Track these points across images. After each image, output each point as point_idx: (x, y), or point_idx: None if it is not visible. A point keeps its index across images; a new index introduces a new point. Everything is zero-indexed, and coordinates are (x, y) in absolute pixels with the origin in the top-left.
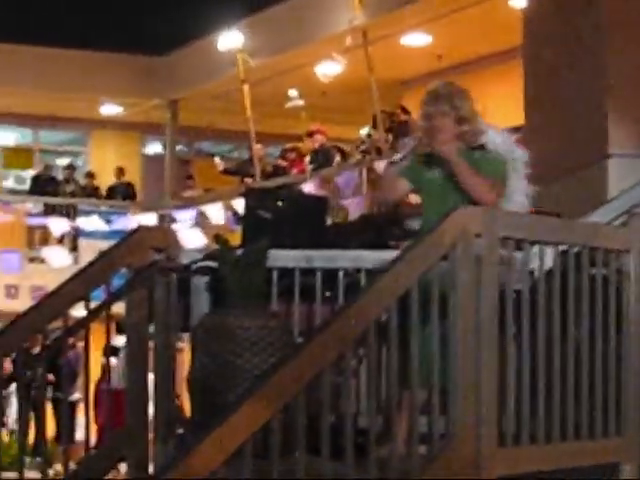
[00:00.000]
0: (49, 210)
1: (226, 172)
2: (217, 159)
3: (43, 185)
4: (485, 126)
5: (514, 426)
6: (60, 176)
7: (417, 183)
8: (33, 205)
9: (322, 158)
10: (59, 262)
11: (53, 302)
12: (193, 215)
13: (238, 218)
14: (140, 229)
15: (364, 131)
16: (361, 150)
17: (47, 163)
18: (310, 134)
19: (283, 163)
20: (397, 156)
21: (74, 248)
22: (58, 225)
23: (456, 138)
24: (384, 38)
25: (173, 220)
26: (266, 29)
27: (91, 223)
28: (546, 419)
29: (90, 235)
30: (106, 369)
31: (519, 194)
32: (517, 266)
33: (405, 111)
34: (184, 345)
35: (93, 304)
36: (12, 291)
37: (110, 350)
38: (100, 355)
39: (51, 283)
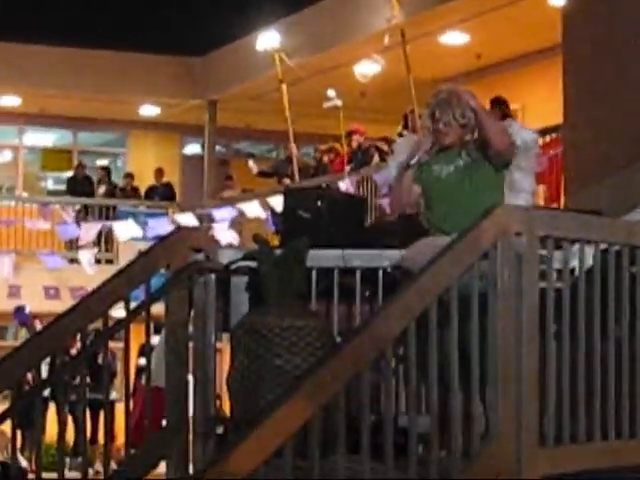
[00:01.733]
0: (85, 211)
1: (261, 174)
2: (251, 162)
3: (79, 185)
4: (507, 120)
5: (555, 426)
6: (95, 177)
7: (424, 182)
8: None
9: (361, 158)
10: (92, 265)
11: (92, 303)
12: (232, 214)
13: (276, 218)
14: (178, 230)
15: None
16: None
17: (80, 162)
18: (349, 134)
19: (324, 160)
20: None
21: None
22: (90, 231)
23: (460, 143)
24: (422, 37)
25: (212, 220)
26: (304, 29)
27: (127, 228)
28: (587, 418)
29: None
30: (146, 369)
31: (526, 193)
32: (557, 265)
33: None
34: (224, 345)
35: (132, 304)
36: (52, 292)
37: (150, 351)
38: (134, 355)
39: (90, 283)
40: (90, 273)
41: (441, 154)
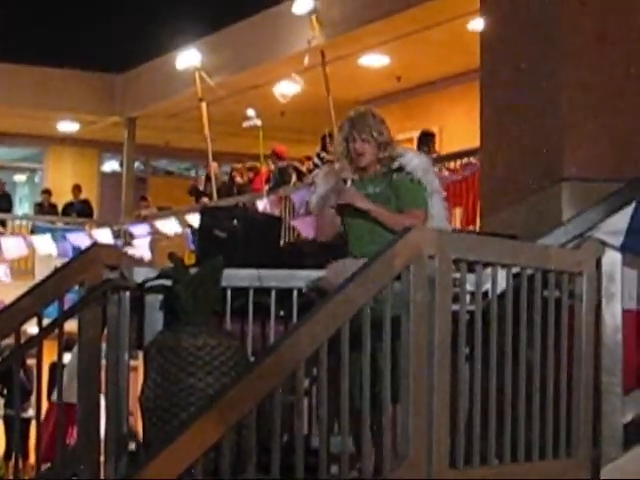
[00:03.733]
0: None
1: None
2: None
3: None
4: (402, 149)
5: (465, 448)
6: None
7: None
8: None
9: (279, 177)
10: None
11: (5, 318)
12: (148, 230)
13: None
14: (94, 246)
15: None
16: (314, 175)
17: None
18: (273, 153)
19: (240, 181)
20: (319, 189)
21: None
22: (11, 245)
23: (377, 162)
24: (342, 58)
25: (130, 236)
26: (225, 48)
27: (45, 243)
28: (497, 440)
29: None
30: (58, 385)
31: (440, 219)
32: (470, 287)
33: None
34: (138, 363)
35: (46, 321)
36: None
37: (62, 368)
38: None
39: (7, 297)
40: (7, 281)
41: (357, 180)
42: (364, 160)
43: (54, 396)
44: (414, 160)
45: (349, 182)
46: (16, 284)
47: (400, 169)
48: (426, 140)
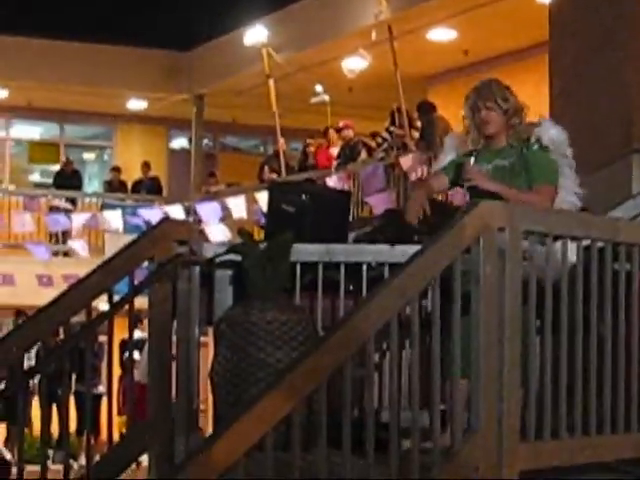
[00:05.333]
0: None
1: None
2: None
3: (67, 180)
4: (538, 119)
5: (536, 420)
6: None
7: (459, 178)
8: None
9: (349, 153)
10: (85, 250)
11: (76, 295)
12: (218, 209)
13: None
14: (163, 222)
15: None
16: (383, 148)
17: (68, 158)
18: (338, 130)
19: (311, 150)
20: (445, 157)
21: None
22: (80, 219)
23: (506, 130)
24: (410, 33)
25: (198, 214)
26: (291, 24)
27: (115, 219)
28: (568, 413)
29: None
30: (128, 363)
31: (568, 193)
32: (540, 260)
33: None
34: (208, 339)
35: (116, 297)
36: (45, 280)
37: (134, 344)
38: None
39: (81, 272)
40: (85, 256)
41: (486, 151)
42: (490, 128)
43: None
44: (550, 130)
45: (472, 160)
46: (93, 260)
47: (532, 140)
48: (425, 110)
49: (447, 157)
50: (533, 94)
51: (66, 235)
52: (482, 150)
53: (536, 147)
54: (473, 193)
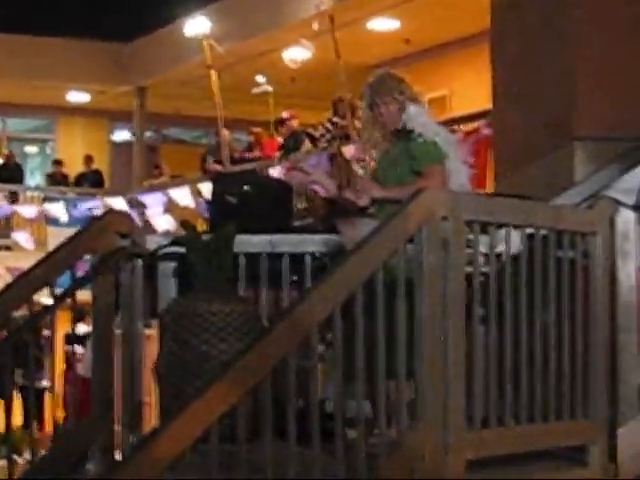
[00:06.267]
0: (15, 198)
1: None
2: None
3: (10, 173)
4: (408, 104)
5: (482, 409)
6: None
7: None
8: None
9: (292, 143)
10: (29, 246)
11: (18, 288)
12: (161, 199)
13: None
14: (105, 215)
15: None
16: (326, 139)
17: (10, 151)
18: (282, 121)
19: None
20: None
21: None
22: (27, 211)
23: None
24: (351, 23)
25: (142, 205)
26: (233, 15)
27: (58, 212)
28: (514, 402)
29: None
30: (70, 356)
31: (457, 176)
32: (484, 249)
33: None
34: (153, 332)
35: (59, 291)
36: None
37: (75, 338)
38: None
39: (25, 265)
40: (30, 248)
41: (386, 151)
42: (392, 124)
43: (82, 370)
44: (412, 115)
45: (360, 171)
46: (37, 253)
47: (405, 129)
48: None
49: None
50: (475, 83)
51: (9, 228)
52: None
53: (413, 137)
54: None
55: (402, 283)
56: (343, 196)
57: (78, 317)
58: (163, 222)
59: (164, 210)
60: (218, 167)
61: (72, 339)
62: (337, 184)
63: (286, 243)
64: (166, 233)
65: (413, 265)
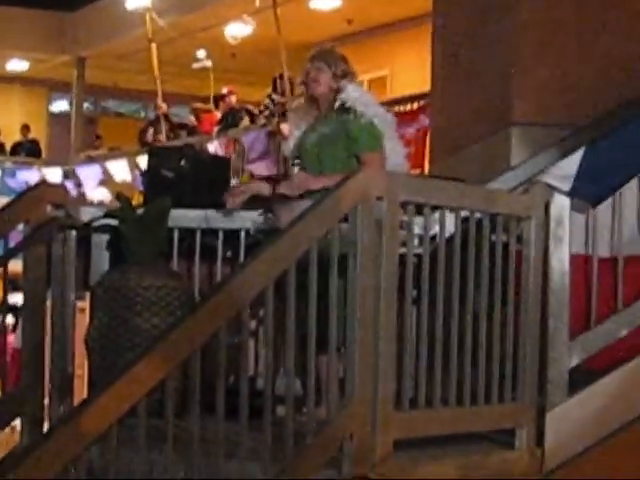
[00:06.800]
0: None
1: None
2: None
3: None
4: (343, 83)
5: (411, 390)
6: None
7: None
8: None
9: (231, 120)
10: None
11: None
12: (98, 172)
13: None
14: (39, 185)
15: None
16: (265, 116)
17: None
18: (222, 97)
19: (193, 122)
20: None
21: None
22: None
23: (331, 95)
24: (294, 0)
25: (78, 177)
26: None
27: None
28: (443, 384)
29: None
30: (0, 327)
31: (394, 156)
32: (418, 231)
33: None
34: (85, 304)
35: None
36: None
37: (7, 308)
38: None
39: None
40: None
41: (317, 120)
42: (317, 88)
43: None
44: (352, 94)
45: (296, 169)
46: None
47: (344, 107)
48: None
49: (293, 134)
50: (416, 64)
51: None
52: (315, 122)
53: (350, 114)
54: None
55: (335, 261)
56: (278, 192)
57: (12, 288)
58: (99, 194)
59: (100, 182)
60: (162, 140)
61: (2, 310)
62: (271, 183)
63: (221, 219)
64: (100, 205)
65: (347, 244)
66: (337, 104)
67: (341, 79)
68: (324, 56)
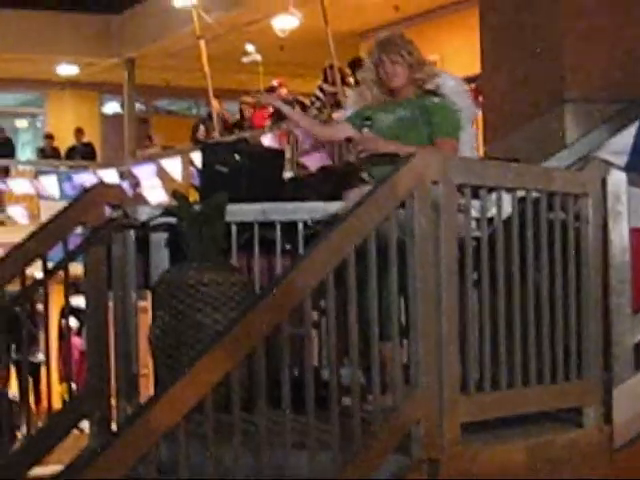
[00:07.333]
0: (7, 173)
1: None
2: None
3: (1, 147)
4: (438, 70)
5: (476, 372)
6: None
7: (363, 127)
8: None
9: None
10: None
11: (10, 263)
12: (153, 171)
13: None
14: (95, 186)
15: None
16: (316, 107)
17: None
18: (272, 89)
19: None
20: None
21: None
22: (20, 185)
23: (410, 85)
24: None
25: (135, 177)
26: None
27: (51, 185)
28: (508, 365)
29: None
30: (65, 330)
31: (468, 148)
32: (475, 213)
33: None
34: (147, 303)
35: (50, 264)
36: None
37: (70, 311)
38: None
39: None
40: (25, 223)
41: (389, 102)
42: (397, 81)
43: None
44: (449, 82)
45: (365, 130)
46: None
47: (434, 92)
48: (357, 66)
49: (348, 112)
50: (463, 48)
51: (2, 203)
52: (385, 103)
53: (437, 99)
54: (369, 160)
55: (394, 248)
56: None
57: (74, 290)
58: (155, 193)
59: (156, 181)
60: (215, 137)
61: (66, 313)
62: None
63: (278, 211)
64: (158, 204)
65: (405, 230)
66: (429, 86)
67: (417, 68)
68: (397, 47)
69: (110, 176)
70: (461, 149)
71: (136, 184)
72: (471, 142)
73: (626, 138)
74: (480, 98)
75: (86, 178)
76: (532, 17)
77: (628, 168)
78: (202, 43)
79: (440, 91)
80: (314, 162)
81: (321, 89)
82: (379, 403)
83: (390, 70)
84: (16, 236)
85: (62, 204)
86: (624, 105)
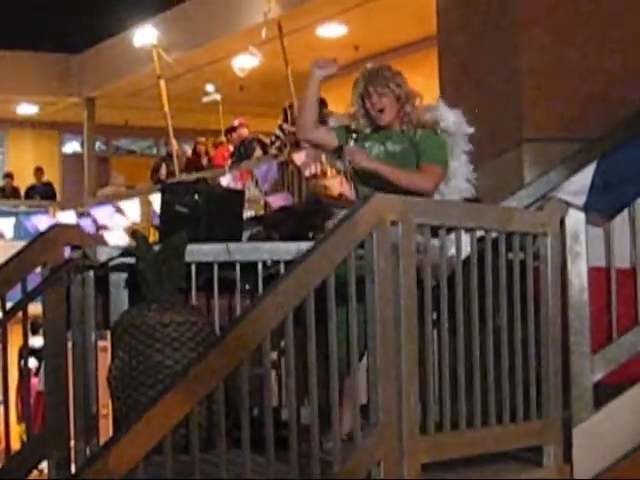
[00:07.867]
0: None
1: None
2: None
3: None
4: (436, 103)
5: (436, 413)
6: None
7: (348, 139)
8: None
9: (244, 151)
10: None
11: None
12: (112, 212)
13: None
14: (54, 227)
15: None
16: (276, 146)
17: None
18: (233, 129)
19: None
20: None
21: None
22: None
23: (399, 118)
24: (300, 30)
25: (93, 217)
26: (181, 24)
27: (9, 227)
28: (468, 405)
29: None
30: (24, 371)
31: (459, 179)
32: (435, 253)
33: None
34: (106, 343)
35: (9, 304)
36: None
37: (28, 351)
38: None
39: None
40: None
41: (376, 133)
42: (386, 117)
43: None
44: (447, 113)
45: (351, 142)
46: None
47: (430, 123)
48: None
49: (330, 124)
50: (423, 88)
51: None
52: (370, 133)
53: (423, 130)
54: (357, 179)
55: (353, 287)
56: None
57: (33, 330)
58: (115, 234)
59: (115, 222)
60: (170, 177)
61: (25, 353)
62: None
63: (238, 251)
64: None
65: (365, 270)
66: (428, 118)
67: (406, 101)
68: (384, 79)
69: (68, 218)
70: (455, 181)
71: (95, 224)
72: (464, 174)
73: (584, 178)
74: None
75: (43, 221)
76: (490, 58)
77: (586, 208)
78: (162, 83)
79: (439, 125)
80: (276, 201)
81: (281, 128)
82: (339, 443)
83: (377, 103)
84: None
85: (20, 245)
86: (582, 144)
